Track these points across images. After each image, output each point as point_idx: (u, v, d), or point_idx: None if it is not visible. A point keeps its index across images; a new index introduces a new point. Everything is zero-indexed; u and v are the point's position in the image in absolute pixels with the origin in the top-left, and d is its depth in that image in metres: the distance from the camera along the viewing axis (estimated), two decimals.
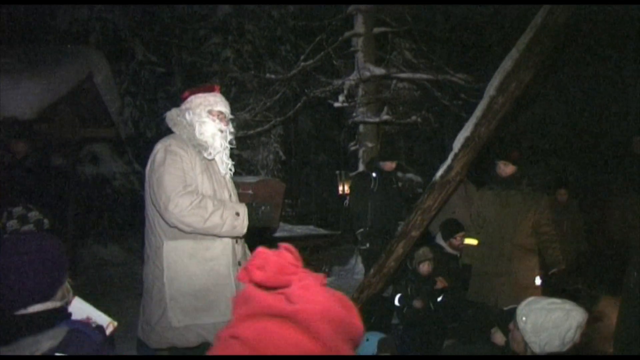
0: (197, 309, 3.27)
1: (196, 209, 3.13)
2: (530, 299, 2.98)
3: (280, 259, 1.03)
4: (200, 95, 3.51)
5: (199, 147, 3.37)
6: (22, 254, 1.93)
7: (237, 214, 3.32)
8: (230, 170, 3.59)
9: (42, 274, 1.95)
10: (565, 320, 2.77)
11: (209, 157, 3.40)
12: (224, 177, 3.53)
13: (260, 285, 1.01)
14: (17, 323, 1.85)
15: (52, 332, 1.84)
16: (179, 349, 3.34)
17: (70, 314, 2.03)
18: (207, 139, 3.39)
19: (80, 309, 2.25)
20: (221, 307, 3.29)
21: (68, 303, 2.08)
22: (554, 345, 2.77)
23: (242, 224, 3.33)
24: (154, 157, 3.31)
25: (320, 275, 1.10)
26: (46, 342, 1.81)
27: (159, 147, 3.32)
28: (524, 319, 2.85)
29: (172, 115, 3.50)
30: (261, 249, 1.06)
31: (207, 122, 3.41)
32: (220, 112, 3.49)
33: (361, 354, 4.12)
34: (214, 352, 1.07)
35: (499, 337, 3.17)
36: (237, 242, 3.49)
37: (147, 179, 3.36)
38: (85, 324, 2.08)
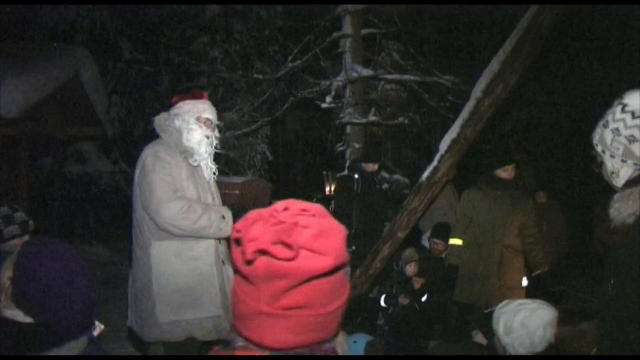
0: (182, 305, 3.43)
1: (186, 213, 3.32)
2: (504, 302, 3.03)
3: (285, 225, 1.02)
4: (189, 102, 3.64)
5: (186, 154, 3.52)
6: (84, 274, 1.89)
7: (223, 217, 3.50)
8: (215, 174, 3.75)
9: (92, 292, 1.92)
10: (531, 320, 2.82)
11: (195, 164, 3.55)
12: (208, 182, 3.69)
13: (285, 258, 1.01)
14: (46, 336, 1.81)
15: (74, 343, 1.85)
16: (168, 343, 3.51)
17: (93, 324, 2.00)
18: (193, 145, 3.53)
19: None
20: (205, 304, 3.47)
21: None
22: (525, 345, 2.81)
23: (227, 227, 3.50)
24: (143, 162, 3.47)
25: (304, 205, 1.11)
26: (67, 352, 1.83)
27: (148, 153, 3.49)
28: (497, 322, 2.90)
29: (160, 121, 3.64)
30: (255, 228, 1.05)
31: (194, 129, 3.55)
32: (208, 119, 3.62)
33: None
34: (269, 329, 1.08)
35: (479, 339, 3.20)
36: (220, 242, 3.65)
37: (136, 183, 3.51)
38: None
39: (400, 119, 10.60)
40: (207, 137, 3.59)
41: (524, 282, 5.48)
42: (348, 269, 1.16)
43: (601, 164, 2.01)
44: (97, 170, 12.80)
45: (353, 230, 6.78)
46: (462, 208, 5.65)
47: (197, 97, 3.69)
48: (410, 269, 5.94)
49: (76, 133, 11.46)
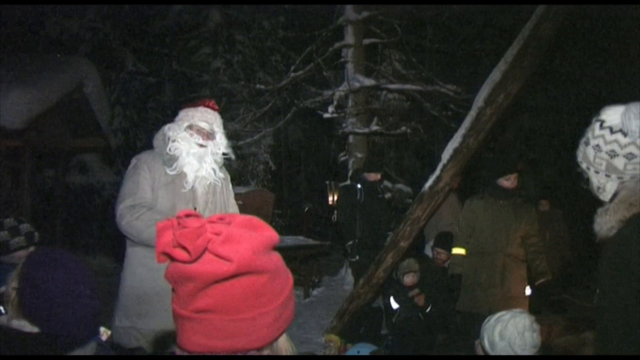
0: (137, 314, 3.42)
1: (134, 221, 3.31)
2: (487, 319, 3.06)
3: (186, 230, 1.04)
4: (185, 110, 3.57)
5: (167, 162, 3.44)
6: (88, 283, 1.94)
7: None
8: (217, 182, 3.61)
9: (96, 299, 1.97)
10: (507, 330, 2.88)
11: (171, 172, 3.44)
12: (193, 191, 3.52)
13: (183, 260, 1.04)
14: (53, 345, 1.83)
15: (81, 350, 1.88)
16: (124, 349, 3.48)
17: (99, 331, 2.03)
18: (179, 153, 3.42)
19: None
20: (161, 316, 3.32)
21: None
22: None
23: None
24: None
25: (221, 215, 1.12)
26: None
27: (131, 161, 3.54)
28: (483, 339, 2.96)
29: (158, 131, 3.61)
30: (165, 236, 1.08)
31: (183, 137, 3.43)
32: (201, 127, 3.48)
33: None
34: (186, 332, 1.10)
35: (481, 350, 3.22)
36: None
37: None
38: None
39: (403, 129, 10.63)
40: (201, 145, 3.45)
41: (528, 291, 5.46)
42: (285, 277, 1.16)
43: (588, 180, 2.07)
44: (100, 181, 12.82)
45: (356, 240, 6.78)
46: (465, 217, 5.63)
47: (196, 105, 3.58)
48: (408, 279, 5.93)
49: (79, 144, 11.49)
